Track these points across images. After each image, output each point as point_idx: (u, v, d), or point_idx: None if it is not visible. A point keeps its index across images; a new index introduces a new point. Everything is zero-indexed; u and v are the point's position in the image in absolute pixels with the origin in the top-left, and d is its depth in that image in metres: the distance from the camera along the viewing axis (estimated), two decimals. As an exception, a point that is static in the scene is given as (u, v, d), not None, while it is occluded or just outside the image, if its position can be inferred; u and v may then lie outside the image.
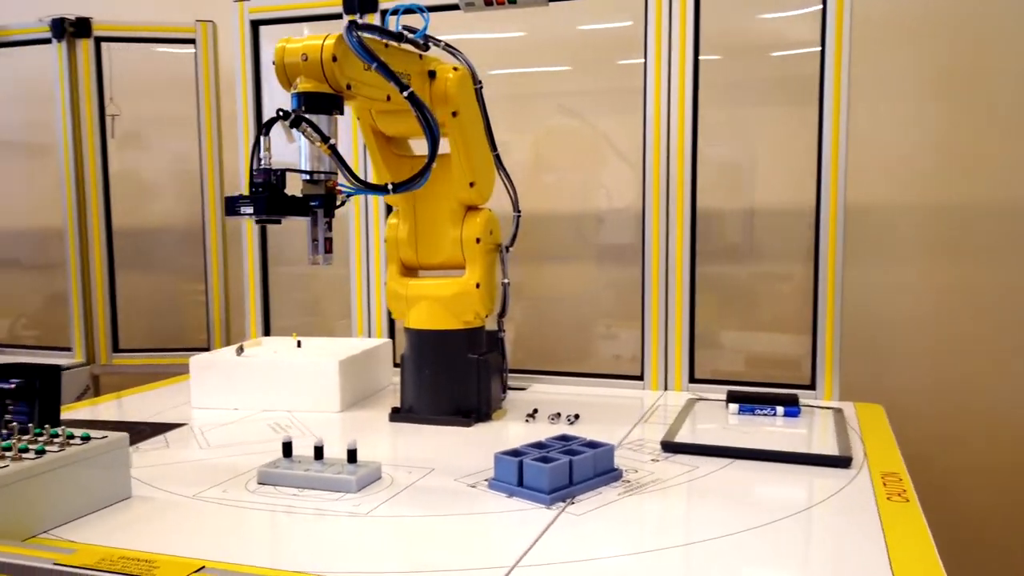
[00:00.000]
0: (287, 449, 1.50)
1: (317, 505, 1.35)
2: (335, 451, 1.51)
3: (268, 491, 1.42)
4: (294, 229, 3.18)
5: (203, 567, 1.07)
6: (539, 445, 1.48)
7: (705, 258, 2.43)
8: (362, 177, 1.57)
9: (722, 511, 1.33)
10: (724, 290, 2.52)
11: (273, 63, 1.47)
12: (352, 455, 1.46)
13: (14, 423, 1.42)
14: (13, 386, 1.67)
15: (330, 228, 1.48)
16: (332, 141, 1.41)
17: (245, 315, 2.72)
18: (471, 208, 1.92)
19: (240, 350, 2.13)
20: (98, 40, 2.93)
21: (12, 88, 3.35)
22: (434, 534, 1.24)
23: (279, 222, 1.44)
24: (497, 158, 1.97)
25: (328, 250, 1.48)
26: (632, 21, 2.49)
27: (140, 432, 1.84)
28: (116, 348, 2.96)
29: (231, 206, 1.36)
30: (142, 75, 3.12)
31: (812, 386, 2.17)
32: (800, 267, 2.28)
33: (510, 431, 1.84)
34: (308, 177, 1.46)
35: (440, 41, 1.85)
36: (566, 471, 1.39)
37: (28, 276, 3.43)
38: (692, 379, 2.28)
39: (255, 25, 2.62)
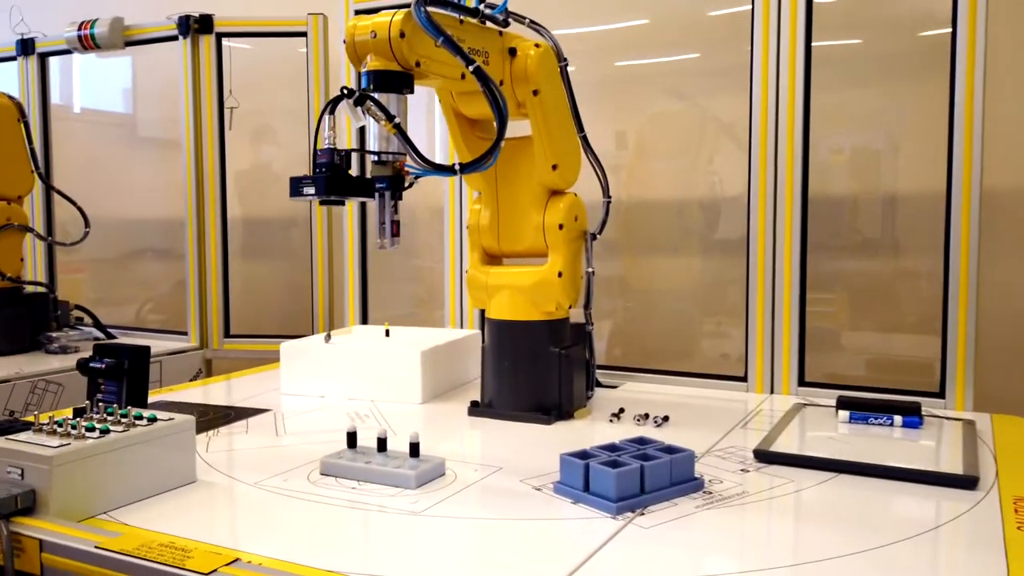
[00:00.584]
0: (351, 440, 1.46)
1: (375, 500, 1.29)
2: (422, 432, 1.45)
3: (329, 483, 1.38)
4: (417, 219, 3.20)
5: (237, 559, 1.04)
6: (611, 447, 1.37)
7: (833, 252, 2.22)
8: (435, 160, 1.50)
9: (812, 532, 1.17)
10: (854, 287, 2.30)
11: (344, 42, 1.43)
12: (415, 449, 1.40)
13: (101, 402, 1.46)
14: (103, 366, 1.72)
15: (397, 210, 1.43)
16: (397, 120, 1.35)
17: (344, 303, 2.74)
18: (555, 193, 1.82)
19: (328, 338, 2.12)
20: (219, 36, 3.03)
21: (152, 86, 3.54)
22: (484, 539, 1.16)
23: (343, 203, 1.39)
24: (584, 139, 1.86)
25: (396, 233, 1.43)
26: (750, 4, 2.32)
27: (226, 416, 1.85)
28: (227, 334, 3.05)
29: (295, 187, 1.33)
30: (276, 70, 3.21)
31: (941, 394, 1.93)
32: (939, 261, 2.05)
33: (591, 431, 1.73)
34: (376, 158, 1.41)
35: (523, 18, 1.76)
36: (637, 478, 1.27)
37: (158, 263, 3.61)
38: (802, 382, 2.09)
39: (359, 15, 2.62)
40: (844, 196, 2.31)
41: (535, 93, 1.69)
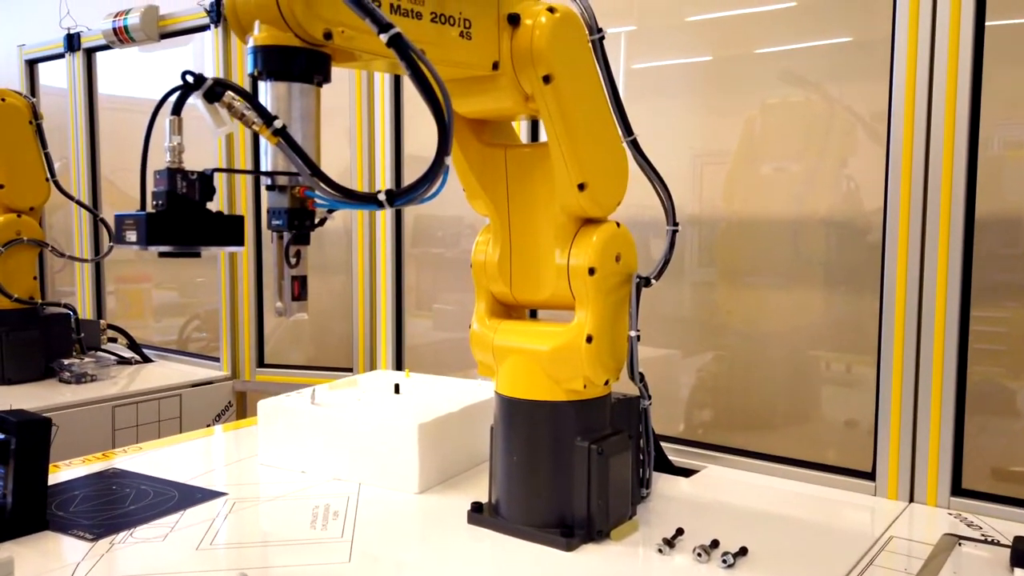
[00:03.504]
0: (246, 591, 0.99)
1: None
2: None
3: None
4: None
5: None
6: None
7: (1010, 291, 1.56)
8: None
9: None
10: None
11: (220, 3, 0.96)
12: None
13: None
14: (-11, 445, 1.35)
15: (299, 259, 0.94)
16: (279, 123, 0.86)
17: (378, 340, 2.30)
18: (587, 222, 1.28)
19: (313, 397, 1.68)
20: (256, 23, 2.66)
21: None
22: None
23: (197, 254, 0.92)
24: (633, 144, 1.31)
25: (298, 295, 0.94)
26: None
27: (166, 503, 1.45)
28: (261, 363, 2.69)
29: (118, 230, 0.87)
30: None
31: None
32: None
33: (629, 568, 1.20)
34: (268, 182, 0.93)
35: (541, -29, 1.23)
36: None
37: (211, 269, 3.31)
38: (957, 489, 1.45)
39: None
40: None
41: (546, 80, 1.15)
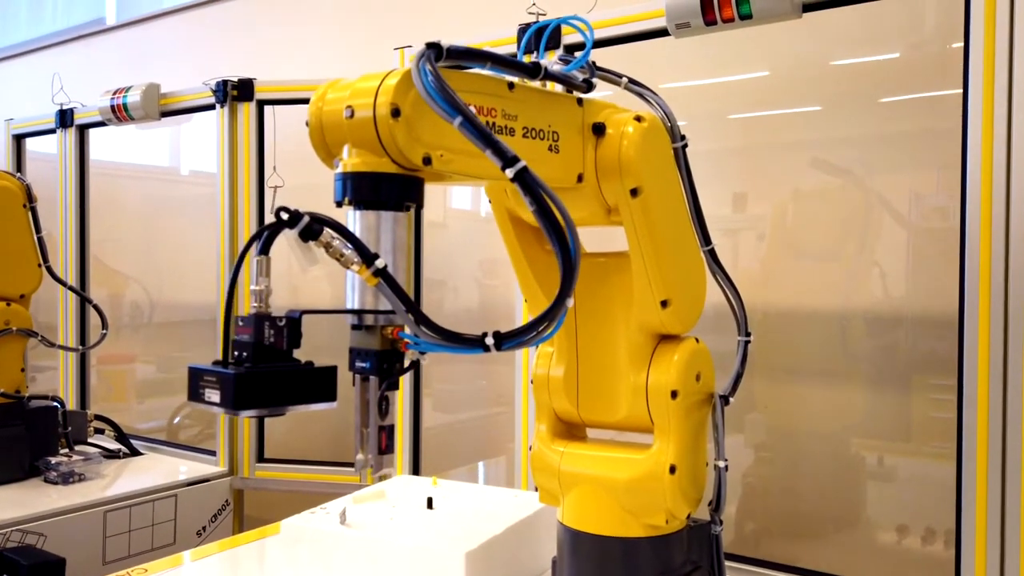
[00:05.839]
0: None
1: None
2: None
3: None
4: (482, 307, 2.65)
5: None
6: None
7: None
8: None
9: None
10: None
11: (307, 123, 0.86)
12: None
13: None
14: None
15: (388, 408, 0.83)
16: (381, 263, 0.76)
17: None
18: (665, 338, 1.18)
19: (343, 516, 1.54)
20: (260, 103, 2.58)
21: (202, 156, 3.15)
22: None
23: (281, 413, 0.80)
24: (710, 254, 1.23)
25: (385, 448, 0.83)
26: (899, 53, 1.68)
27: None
28: (261, 457, 2.53)
29: (193, 386, 0.76)
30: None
31: None
32: None
33: None
34: (355, 320, 0.83)
35: (620, 76, 1.16)
36: None
37: (203, 351, 3.15)
38: (1053, 616, 1.35)
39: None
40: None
41: (634, 193, 1.07)
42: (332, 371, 0.81)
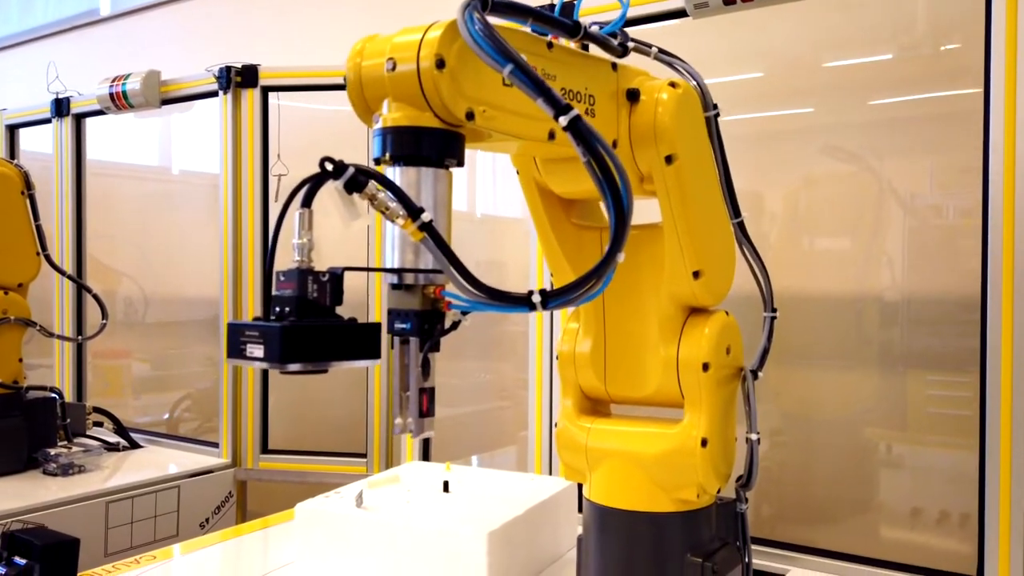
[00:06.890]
0: None
1: None
2: None
3: None
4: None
5: None
6: None
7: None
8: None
9: None
10: None
11: (345, 78, 0.84)
12: None
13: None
14: (4, 572, 1.17)
15: (429, 370, 0.81)
16: (427, 216, 0.74)
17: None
18: (695, 311, 1.17)
19: (359, 499, 1.51)
20: (264, 90, 2.54)
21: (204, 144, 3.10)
22: None
23: (325, 370, 0.78)
24: (740, 227, 1.21)
25: (426, 411, 0.81)
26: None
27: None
28: (265, 448, 2.49)
29: (233, 343, 0.73)
30: (339, 130, 2.70)
31: None
32: None
33: None
34: (395, 280, 0.80)
35: (649, 46, 1.14)
36: None
37: (200, 347, 3.11)
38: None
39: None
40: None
41: (669, 160, 1.05)
42: (376, 328, 0.78)
